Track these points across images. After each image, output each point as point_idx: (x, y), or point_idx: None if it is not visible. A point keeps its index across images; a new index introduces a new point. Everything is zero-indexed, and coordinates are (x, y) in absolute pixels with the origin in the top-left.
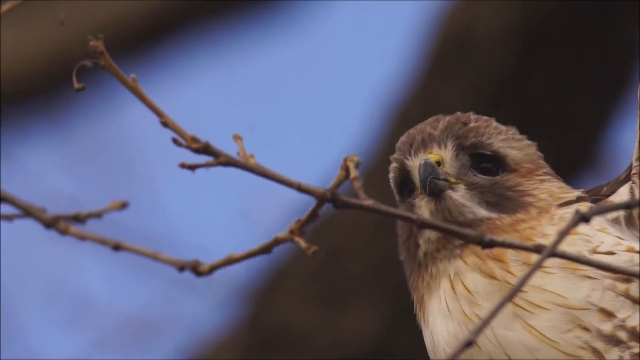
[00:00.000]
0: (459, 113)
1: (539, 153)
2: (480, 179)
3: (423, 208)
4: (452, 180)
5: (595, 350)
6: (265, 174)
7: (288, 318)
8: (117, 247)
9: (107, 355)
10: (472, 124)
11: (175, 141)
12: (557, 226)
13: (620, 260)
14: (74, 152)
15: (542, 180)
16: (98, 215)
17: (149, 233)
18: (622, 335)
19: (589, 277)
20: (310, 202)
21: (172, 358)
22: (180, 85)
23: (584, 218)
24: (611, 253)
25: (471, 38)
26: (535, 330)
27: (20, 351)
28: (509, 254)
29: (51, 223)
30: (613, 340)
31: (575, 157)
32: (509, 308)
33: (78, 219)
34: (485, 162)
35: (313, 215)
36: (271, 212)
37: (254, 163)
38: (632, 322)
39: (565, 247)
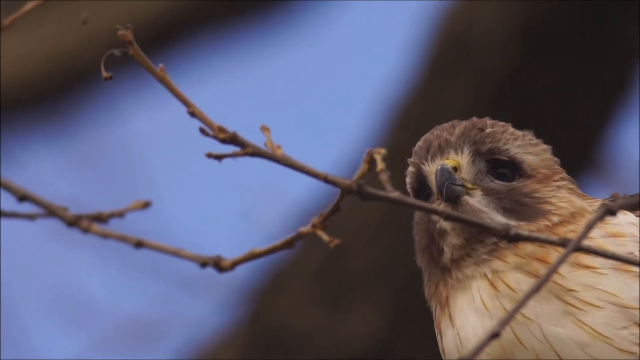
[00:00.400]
0: (475, 118)
1: (555, 158)
2: (497, 184)
3: None
4: (469, 185)
5: None
6: (293, 165)
7: (289, 318)
8: (139, 245)
9: (108, 356)
10: (488, 130)
11: (202, 131)
12: (601, 229)
13: None
14: (77, 157)
15: (559, 187)
16: (120, 214)
17: (153, 237)
18: None
19: None
20: (309, 202)
21: (174, 359)
22: (190, 87)
23: (610, 211)
24: None
25: (472, 39)
26: (588, 326)
27: (20, 351)
28: (554, 255)
29: (73, 222)
30: None
31: (576, 157)
32: (558, 306)
33: (100, 218)
34: (501, 168)
35: (336, 208)
36: (273, 214)
37: (281, 154)
38: None
39: (614, 247)
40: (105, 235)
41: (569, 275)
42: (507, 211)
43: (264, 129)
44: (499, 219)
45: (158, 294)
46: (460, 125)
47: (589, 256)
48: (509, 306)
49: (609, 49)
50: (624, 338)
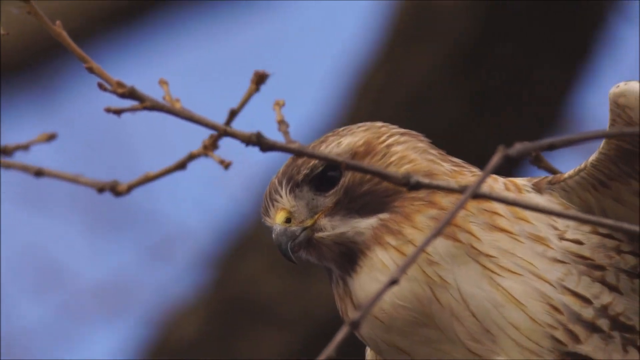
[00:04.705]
0: (313, 144)
1: (379, 123)
2: (330, 194)
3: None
4: (309, 222)
5: (569, 332)
6: (191, 118)
7: (255, 284)
8: (39, 173)
9: (74, 321)
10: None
11: (100, 86)
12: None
13: (591, 243)
14: (62, 126)
15: (388, 146)
16: (25, 147)
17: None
18: (603, 323)
19: (560, 261)
20: (273, 166)
21: (139, 324)
22: (151, 64)
23: (507, 157)
24: (579, 242)
25: (435, 6)
26: (504, 289)
27: None
28: (470, 218)
29: None
30: (592, 327)
31: (542, 120)
32: (476, 269)
33: (6, 151)
34: (328, 174)
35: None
36: (240, 180)
37: (180, 107)
38: (617, 309)
39: (534, 223)
40: (7, 166)
41: (486, 239)
42: (361, 211)
43: (162, 82)
44: (362, 224)
45: (124, 260)
46: (285, 164)
47: (504, 219)
48: (428, 269)
49: (572, 12)
50: (538, 307)
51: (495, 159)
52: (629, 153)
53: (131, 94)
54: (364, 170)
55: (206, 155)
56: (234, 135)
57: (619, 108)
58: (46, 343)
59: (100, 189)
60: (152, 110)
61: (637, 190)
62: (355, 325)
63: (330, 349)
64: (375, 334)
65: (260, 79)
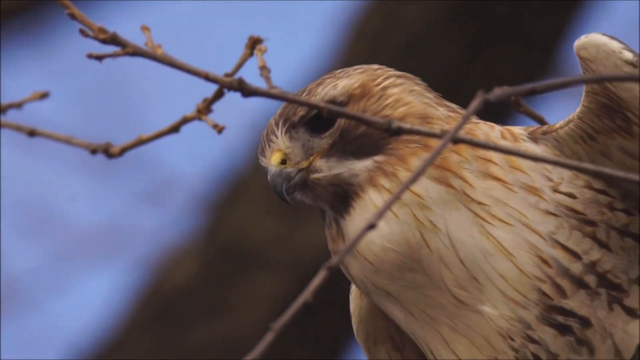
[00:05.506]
0: (310, 86)
1: (377, 66)
2: (326, 135)
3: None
4: (304, 164)
5: (557, 286)
6: (173, 64)
7: (247, 229)
8: (32, 133)
9: (68, 266)
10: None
11: (82, 32)
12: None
13: (584, 198)
14: (57, 73)
15: (384, 88)
16: (18, 105)
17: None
18: (591, 279)
19: (552, 213)
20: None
21: (133, 268)
22: (135, 12)
23: (486, 101)
24: (572, 196)
25: None
26: (494, 238)
27: None
28: (464, 164)
29: None
30: (579, 283)
31: (535, 67)
32: (467, 216)
33: None
34: (322, 117)
35: (219, 94)
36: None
37: (162, 53)
38: (605, 266)
39: (529, 173)
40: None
41: (479, 187)
42: (357, 153)
43: (144, 28)
44: (358, 166)
45: (118, 205)
46: (284, 105)
47: (499, 167)
48: (419, 212)
49: None
50: (528, 260)
51: (475, 104)
52: (608, 107)
53: (113, 39)
54: (346, 116)
55: (200, 119)
56: (215, 81)
57: (583, 61)
58: (40, 287)
59: (94, 151)
60: (133, 56)
61: (622, 145)
62: (332, 269)
63: (307, 293)
64: (364, 276)
65: (254, 44)
